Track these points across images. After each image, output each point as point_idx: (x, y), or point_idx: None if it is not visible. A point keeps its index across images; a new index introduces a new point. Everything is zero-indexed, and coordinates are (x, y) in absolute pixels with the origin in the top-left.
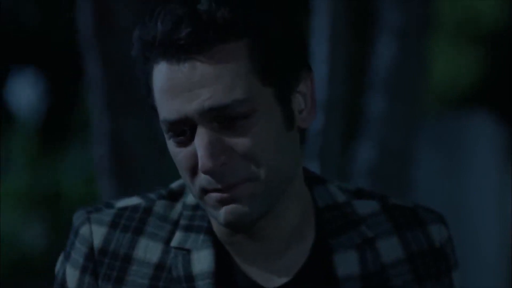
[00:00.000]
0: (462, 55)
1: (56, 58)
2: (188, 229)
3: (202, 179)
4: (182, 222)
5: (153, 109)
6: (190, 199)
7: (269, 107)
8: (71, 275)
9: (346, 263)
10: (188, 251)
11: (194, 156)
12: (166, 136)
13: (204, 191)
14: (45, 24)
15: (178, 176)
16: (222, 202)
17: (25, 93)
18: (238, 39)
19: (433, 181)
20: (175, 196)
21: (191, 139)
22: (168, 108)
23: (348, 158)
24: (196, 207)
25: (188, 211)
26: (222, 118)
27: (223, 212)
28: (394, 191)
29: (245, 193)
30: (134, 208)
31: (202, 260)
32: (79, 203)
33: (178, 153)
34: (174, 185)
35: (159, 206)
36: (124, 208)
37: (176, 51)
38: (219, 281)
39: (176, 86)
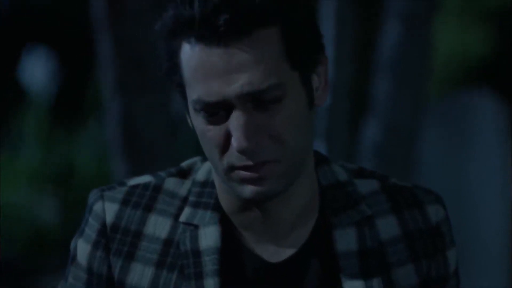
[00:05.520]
0: (468, 34)
1: (68, 37)
2: (196, 205)
3: (232, 156)
4: (191, 198)
5: (178, 86)
6: (199, 176)
7: (296, 90)
8: (83, 249)
9: (345, 239)
10: (196, 227)
11: (226, 134)
12: (194, 113)
13: (232, 168)
14: (58, 2)
15: (189, 154)
16: (249, 181)
17: (38, 71)
18: (272, 24)
19: (437, 160)
20: (185, 173)
21: (224, 119)
22: (205, 89)
23: (355, 137)
24: (205, 184)
25: (197, 188)
26: (257, 100)
27: (248, 190)
28: (399, 169)
29: (271, 173)
30: (145, 185)
31: (209, 236)
32: (92, 181)
33: (208, 130)
34: (184, 164)
35: (169, 183)
36: (136, 186)
37: (215, 36)
38: (225, 257)
39: (213, 69)
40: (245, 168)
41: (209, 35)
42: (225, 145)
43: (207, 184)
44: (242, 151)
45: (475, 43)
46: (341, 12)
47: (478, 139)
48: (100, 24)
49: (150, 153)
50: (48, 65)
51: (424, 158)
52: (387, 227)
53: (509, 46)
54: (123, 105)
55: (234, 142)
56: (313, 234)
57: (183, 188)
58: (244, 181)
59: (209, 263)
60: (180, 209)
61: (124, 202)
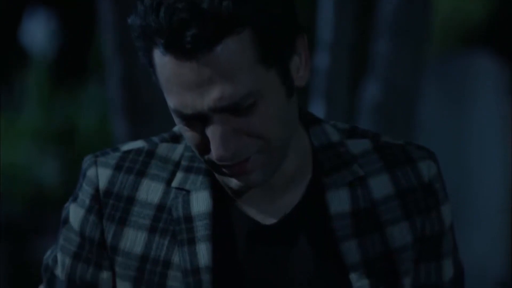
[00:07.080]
0: None
1: None
2: (188, 170)
3: (212, 156)
4: (183, 163)
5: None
6: None
7: (273, 87)
8: (76, 213)
9: (338, 200)
10: (188, 192)
11: (204, 137)
12: (171, 112)
13: (214, 163)
14: None
15: None
16: (233, 176)
17: (39, 33)
18: (242, 29)
19: (437, 120)
20: (178, 138)
21: (201, 127)
22: (179, 101)
23: (355, 98)
24: None
25: (189, 152)
26: (232, 109)
27: (233, 183)
28: (399, 130)
29: (255, 166)
30: (138, 151)
31: (200, 201)
32: (93, 141)
33: (186, 130)
34: (176, 128)
35: (162, 148)
36: (128, 151)
37: (183, 51)
38: (217, 221)
39: (185, 82)
40: (226, 166)
41: (177, 50)
42: (204, 147)
43: None
44: (221, 160)
45: (475, 3)
46: None
47: (478, 99)
48: None
49: (150, 113)
50: (49, 26)
51: (424, 118)
52: (380, 186)
53: (510, 7)
54: (124, 65)
55: (213, 151)
56: (306, 195)
57: (175, 152)
58: (228, 175)
59: (201, 229)
60: (173, 174)
61: (117, 168)
